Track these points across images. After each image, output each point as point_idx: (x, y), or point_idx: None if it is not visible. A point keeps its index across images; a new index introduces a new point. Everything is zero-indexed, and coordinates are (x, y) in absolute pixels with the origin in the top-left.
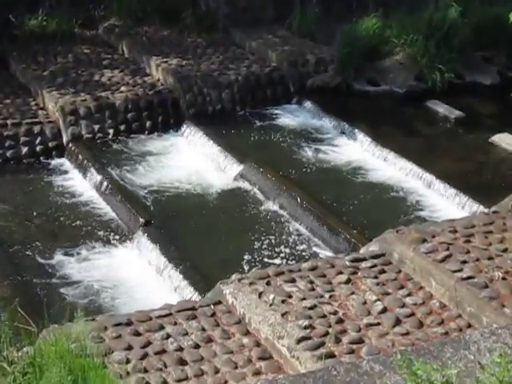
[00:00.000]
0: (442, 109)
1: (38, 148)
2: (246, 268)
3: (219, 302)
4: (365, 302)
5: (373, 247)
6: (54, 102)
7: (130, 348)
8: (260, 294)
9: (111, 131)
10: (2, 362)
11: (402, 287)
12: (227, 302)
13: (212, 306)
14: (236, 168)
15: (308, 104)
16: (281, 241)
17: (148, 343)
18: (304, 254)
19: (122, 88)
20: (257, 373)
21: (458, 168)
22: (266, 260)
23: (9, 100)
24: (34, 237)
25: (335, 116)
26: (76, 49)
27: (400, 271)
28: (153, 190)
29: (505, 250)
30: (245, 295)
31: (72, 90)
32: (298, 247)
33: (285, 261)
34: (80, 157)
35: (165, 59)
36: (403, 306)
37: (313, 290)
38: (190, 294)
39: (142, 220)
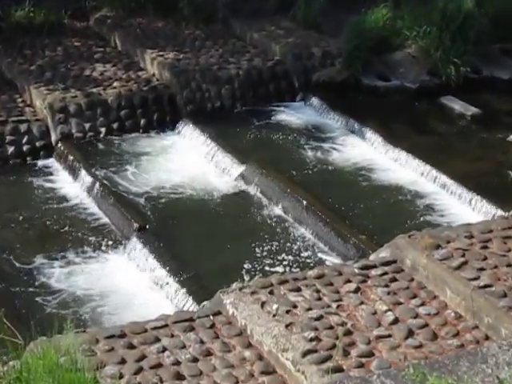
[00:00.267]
0: (457, 105)
1: (25, 148)
2: (247, 276)
3: (219, 313)
4: (375, 313)
5: (383, 253)
6: (42, 98)
7: (123, 362)
8: (263, 304)
9: (103, 130)
10: None
11: (414, 296)
12: (227, 312)
13: (211, 317)
14: (237, 169)
15: (313, 100)
16: (285, 247)
17: (143, 357)
18: (309, 261)
19: (115, 83)
20: None
21: (474, 169)
22: (268, 267)
23: None
24: (19, 243)
25: (342, 113)
26: (65, 41)
27: (412, 279)
28: (148, 193)
29: None
30: (246, 305)
31: (61, 86)
32: (303, 254)
33: (289, 268)
34: (69, 157)
35: (160, 52)
36: (416, 316)
37: (319, 299)
38: (187, 304)
39: (136, 225)
